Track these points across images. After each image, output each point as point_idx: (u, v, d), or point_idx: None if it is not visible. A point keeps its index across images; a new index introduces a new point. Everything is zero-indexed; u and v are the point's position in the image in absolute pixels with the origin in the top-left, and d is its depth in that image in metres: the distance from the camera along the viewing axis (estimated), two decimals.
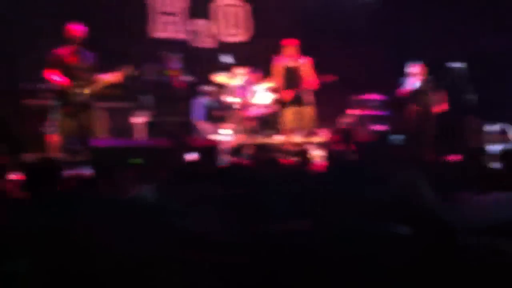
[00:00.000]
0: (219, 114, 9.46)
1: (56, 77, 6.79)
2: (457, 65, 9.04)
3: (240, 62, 9.86)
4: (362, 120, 10.37)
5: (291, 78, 7.92)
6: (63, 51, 6.89)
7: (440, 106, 9.03)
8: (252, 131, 8.78)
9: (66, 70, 6.83)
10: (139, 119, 8.48)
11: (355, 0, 12.02)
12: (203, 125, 9.39)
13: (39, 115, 7.73)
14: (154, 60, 8.53)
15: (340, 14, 11.52)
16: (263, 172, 4.52)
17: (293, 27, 10.23)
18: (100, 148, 6.66)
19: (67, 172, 4.69)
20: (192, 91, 9.01)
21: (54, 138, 6.82)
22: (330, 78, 8.30)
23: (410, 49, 10.51)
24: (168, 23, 10.90)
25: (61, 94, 6.79)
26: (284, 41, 8.20)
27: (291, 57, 8.06)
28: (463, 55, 9.46)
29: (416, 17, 11.50)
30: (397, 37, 11.36)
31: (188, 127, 8.59)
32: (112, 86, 7.79)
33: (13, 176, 4.91)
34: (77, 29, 6.90)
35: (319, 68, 8.71)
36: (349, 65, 10.66)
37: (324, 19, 11.31)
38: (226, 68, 9.38)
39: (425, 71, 9.13)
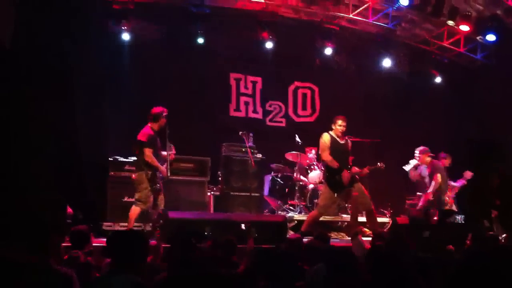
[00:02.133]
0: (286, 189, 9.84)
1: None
2: None
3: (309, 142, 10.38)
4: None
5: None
6: (151, 131, 7.25)
7: None
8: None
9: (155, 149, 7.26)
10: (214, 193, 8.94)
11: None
12: (272, 200, 9.78)
13: (123, 187, 8.24)
14: (232, 137, 9.10)
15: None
16: None
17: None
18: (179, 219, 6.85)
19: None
20: (263, 167, 9.42)
21: (137, 210, 7.16)
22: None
23: None
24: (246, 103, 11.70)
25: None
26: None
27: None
28: None
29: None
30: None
31: (261, 202, 8.94)
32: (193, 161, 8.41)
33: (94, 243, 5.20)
34: (164, 112, 7.31)
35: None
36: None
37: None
38: (298, 146, 9.84)
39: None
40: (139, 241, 3.34)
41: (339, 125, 7.22)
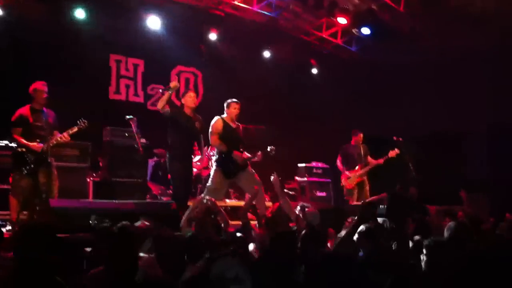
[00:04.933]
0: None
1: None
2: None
3: None
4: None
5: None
6: (26, 110, 6.82)
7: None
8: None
9: (28, 129, 6.76)
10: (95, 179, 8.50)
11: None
12: (154, 186, 9.52)
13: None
14: (113, 122, 8.67)
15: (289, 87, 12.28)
16: None
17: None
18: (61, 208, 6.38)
19: None
20: (146, 153, 9.10)
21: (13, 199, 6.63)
22: None
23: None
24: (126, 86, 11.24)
25: (20, 153, 6.69)
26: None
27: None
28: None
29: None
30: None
31: (145, 188, 8.65)
32: (71, 145, 7.88)
33: None
34: (40, 87, 6.89)
35: None
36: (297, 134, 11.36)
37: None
38: None
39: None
40: None
41: (234, 108, 7.16)
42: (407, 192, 10.10)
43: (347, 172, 9.77)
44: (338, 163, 10.02)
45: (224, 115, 7.19)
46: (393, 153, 9.55)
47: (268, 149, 7.26)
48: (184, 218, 5.93)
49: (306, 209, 6.37)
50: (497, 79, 10.40)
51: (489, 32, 9.78)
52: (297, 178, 11.39)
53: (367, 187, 9.71)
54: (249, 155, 7.22)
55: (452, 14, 10.13)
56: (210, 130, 7.12)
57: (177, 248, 4.08)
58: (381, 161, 9.67)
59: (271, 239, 3.85)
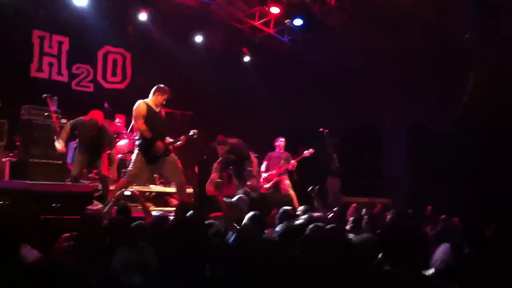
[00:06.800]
0: None
1: None
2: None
3: (118, 109, 10.04)
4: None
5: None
6: None
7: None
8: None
9: None
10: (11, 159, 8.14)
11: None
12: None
13: None
14: (33, 100, 8.30)
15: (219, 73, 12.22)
16: None
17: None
18: None
19: None
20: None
21: None
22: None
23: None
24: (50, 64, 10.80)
25: None
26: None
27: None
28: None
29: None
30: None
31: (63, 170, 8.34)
32: None
33: None
34: None
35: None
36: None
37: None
38: (107, 114, 9.39)
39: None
40: None
41: (162, 94, 6.96)
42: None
43: (265, 176, 9.88)
44: (263, 167, 10.04)
45: (148, 99, 7.01)
46: (308, 153, 9.73)
47: (191, 133, 7.17)
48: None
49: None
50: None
51: (410, 33, 10.15)
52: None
53: (286, 184, 9.80)
54: (171, 140, 7.11)
55: (377, 13, 10.42)
56: (134, 114, 6.93)
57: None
58: (294, 163, 9.78)
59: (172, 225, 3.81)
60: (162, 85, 7.05)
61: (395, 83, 11.12)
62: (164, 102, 7.04)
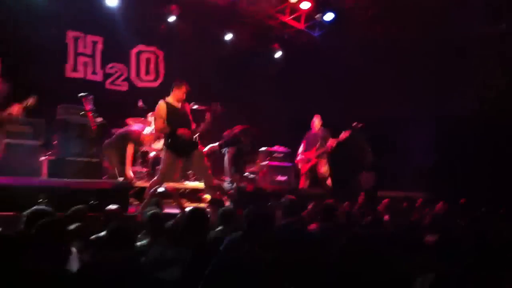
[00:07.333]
0: None
1: None
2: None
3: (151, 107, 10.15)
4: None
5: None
6: None
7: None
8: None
9: None
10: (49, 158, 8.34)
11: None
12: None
13: None
14: (69, 99, 8.49)
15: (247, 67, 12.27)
16: None
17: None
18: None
19: None
20: (104, 132, 8.96)
21: None
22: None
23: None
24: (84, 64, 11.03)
25: None
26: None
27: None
28: None
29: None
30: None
31: (100, 168, 8.51)
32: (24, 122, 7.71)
33: None
34: None
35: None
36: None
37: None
38: (141, 112, 9.55)
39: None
40: None
41: (179, 88, 6.96)
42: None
43: (302, 155, 9.92)
44: (300, 148, 10.06)
45: (169, 97, 7.01)
46: (344, 135, 9.60)
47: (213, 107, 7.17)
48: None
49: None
50: None
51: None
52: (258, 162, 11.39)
53: (323, 170, 9.73)
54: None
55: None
56: (154, 114, 6.99)
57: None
58: (333, 142, 9.68)
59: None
60: (180, 81, 7.04)
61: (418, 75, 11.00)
62: (184, 96, 6.97)
